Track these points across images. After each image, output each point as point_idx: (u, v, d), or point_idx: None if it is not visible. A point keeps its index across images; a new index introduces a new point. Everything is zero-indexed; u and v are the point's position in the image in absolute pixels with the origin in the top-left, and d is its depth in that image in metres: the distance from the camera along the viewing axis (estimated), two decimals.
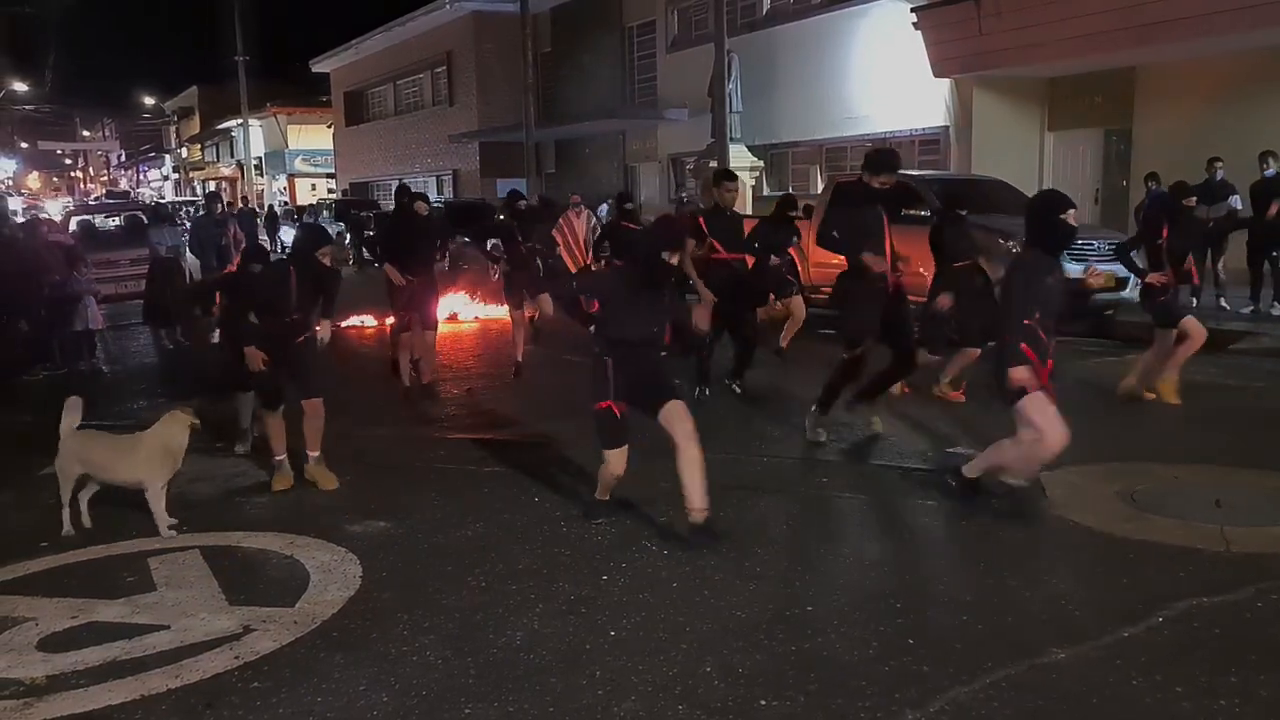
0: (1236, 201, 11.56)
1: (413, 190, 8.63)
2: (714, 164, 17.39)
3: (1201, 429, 6.45)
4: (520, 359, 8.97)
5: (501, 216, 10.30)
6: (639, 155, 24.57)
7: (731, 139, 17.17)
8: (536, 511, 5.18)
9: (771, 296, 9.01)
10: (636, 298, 4.59)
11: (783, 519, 4.86)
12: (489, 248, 10.67)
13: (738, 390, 7.75)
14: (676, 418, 4.57)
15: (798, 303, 9.48)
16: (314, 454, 5.66)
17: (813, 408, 6.36)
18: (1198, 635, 3.57)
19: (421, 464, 6.17)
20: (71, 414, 5.07)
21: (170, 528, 4.94)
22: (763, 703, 3.19)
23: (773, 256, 8.73)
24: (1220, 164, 11.76)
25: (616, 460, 4.71)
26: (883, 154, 6.12)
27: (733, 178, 7.98)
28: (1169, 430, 6.42)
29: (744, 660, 3.47)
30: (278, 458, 5.67)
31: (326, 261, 5.70)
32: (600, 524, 4.88)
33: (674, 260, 4.52)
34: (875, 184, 5.99)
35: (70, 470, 4.99)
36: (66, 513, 5.01)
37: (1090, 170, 15.93)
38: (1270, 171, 10.91)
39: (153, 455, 5.02)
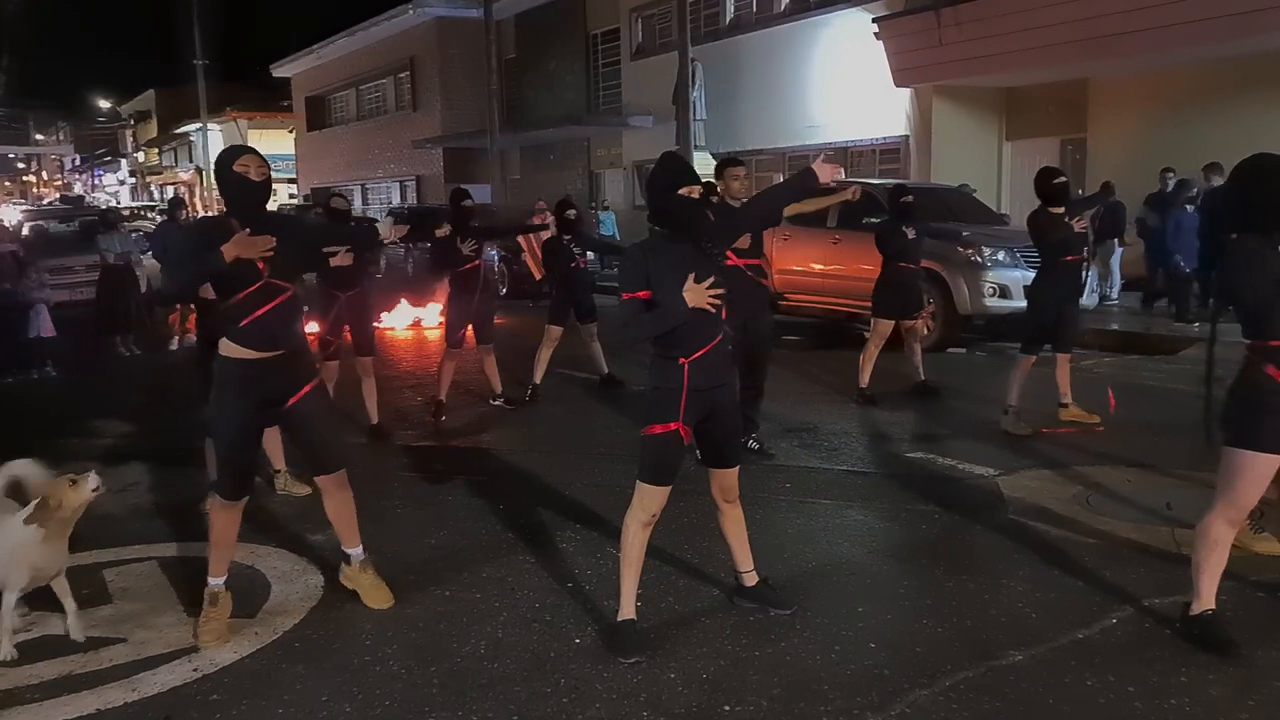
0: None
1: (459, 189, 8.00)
2: None
3: (1152, 433, 6.58)
4: (538, 381, 8.24)
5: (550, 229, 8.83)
6: (604, 161, 24.61)
7: (696, 146, 17.24)
8: (501, 519, 5.17)
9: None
10: (676, 259, 3.50)
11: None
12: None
13: (756, 449, 6.19)
14: (731, 483, 3.85)
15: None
16: (355, 551, 4.09)
17: None
18: (1150, 635, 3.65)
19: (384, 472, 6.13)
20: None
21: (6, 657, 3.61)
22: (726, 708, 3.22)
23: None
24: (1172, 174, 12.02)
25: (656, 501, 3.65)
26: None
27: (738, 163, 6.32)
28: (1122, 435, 6.54)
29: (707, 665, 3.50)
30: (214, 580, 3.87)
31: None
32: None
33: (694, 194, 3.53)
34: None
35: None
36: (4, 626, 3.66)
37: None
38: (1218, 183, 11.15)
39: (16, 549, 3.61)
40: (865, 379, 7.82)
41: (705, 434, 3.73)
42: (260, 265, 3.69)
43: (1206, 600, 3.53)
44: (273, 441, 5.38)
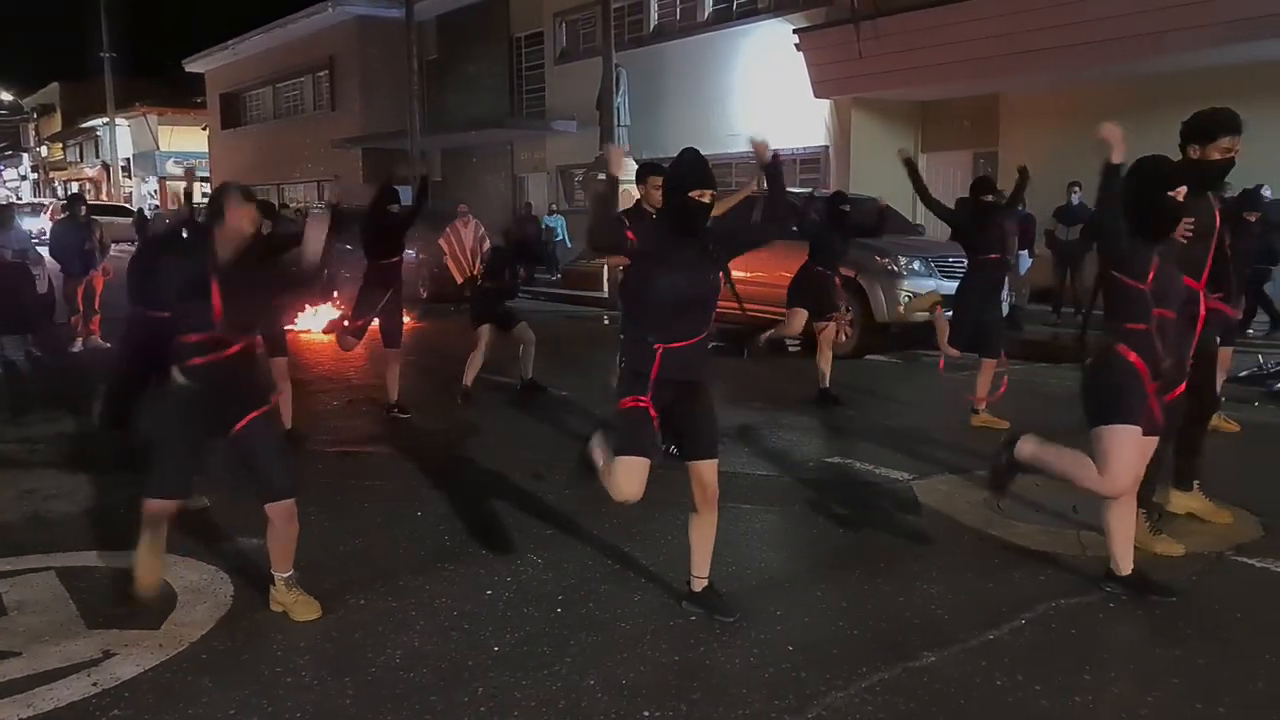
0: None
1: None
2: (602, 176, 17.49)
3: (1059, 439, 6.78)
4: (469, 384, 8.13)
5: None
6: (527, 165, 24.49)
7: None
8: (417, 526, 5.09)
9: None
10: (676, 252, 3.64)
11: (666, 529, 4.89)
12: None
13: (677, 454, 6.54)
14: (709, 478, 3.87)
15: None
16: (284, 574, 3.98)
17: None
18: (1056, 636, 3.76)
19: (298, 478, 5.97)
20: None
21: None
22: (646, 713, 3.21)
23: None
24: (1079, 188, 12.47)
25: (628, 476, 3.66)
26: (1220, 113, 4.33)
27: (661, 171, 6.84)
28: None
29: (627, 672, 3.49)
30: (145, 582, 3.90)
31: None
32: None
33: (706, 200, 3.62)
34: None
35: None
36: None
37: (960, 190, 16.59)
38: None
39: None
40: (826, 380, 7.94)
41: (676, 422, 3.79)
42: (217, 313, 3.64)
43: (1126, 565, 3.95)
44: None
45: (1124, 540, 4.04)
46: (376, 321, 7.54)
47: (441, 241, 12.51)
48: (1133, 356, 3.79)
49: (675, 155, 3.79)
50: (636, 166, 6.69)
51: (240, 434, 3.79)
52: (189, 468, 3.86)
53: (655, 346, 3.64)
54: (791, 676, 3.45)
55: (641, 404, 3.66)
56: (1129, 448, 3.76)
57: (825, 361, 8.13)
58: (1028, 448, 4.15)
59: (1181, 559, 4.46)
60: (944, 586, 4.23)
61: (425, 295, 16.72)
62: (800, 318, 8.03)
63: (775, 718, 3.18)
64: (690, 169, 3.70)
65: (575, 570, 4.39)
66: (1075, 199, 12.46)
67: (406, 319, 12.09)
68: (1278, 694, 3.32)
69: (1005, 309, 11.37)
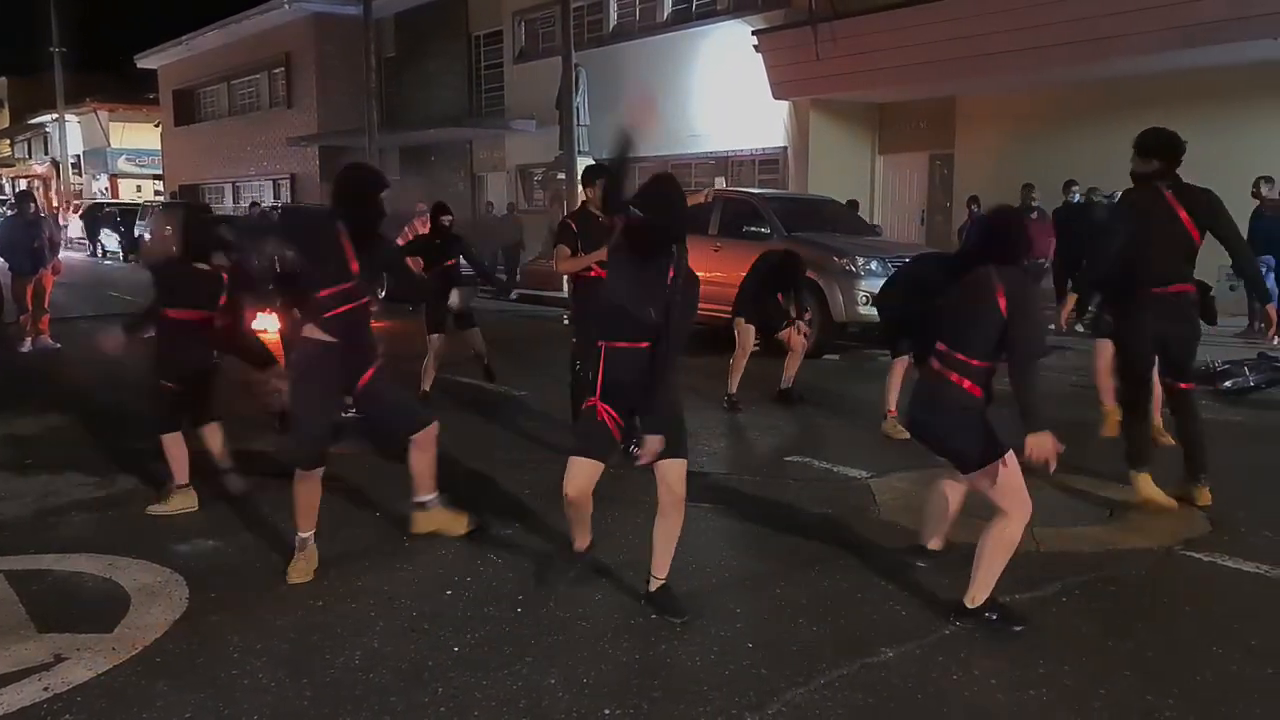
0: None
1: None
2: (561, 176, 17.47)
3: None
4: (427, 389, 8.07)
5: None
6: (487, 165, 24.39)
7: (579, 152, 17.28)
8: (377, 527, 5.05)
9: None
10: (639, 266, 3.76)
11: (626, 528, 4.90)
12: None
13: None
14: (672, 478, 3.87)
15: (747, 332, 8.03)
16: (431, 496, 4.70)
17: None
18: (1010, 630, 3.81)
19: (254, 479, 5.90)
20: None
21: None
22: (607, 712, 3.22)
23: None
24: (1034, 194, 12.67)
25: (570, 474, 3.81)
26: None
27: (609, 174, 6.58)
28: None
29: (588, 671, 3.49)
30: (303, 533, 4.37)
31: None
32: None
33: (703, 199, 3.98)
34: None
35: None
36: None
37: (917, 192, 16.85)
38: (1077, 198, 11.82)
39: None
40: (734, 385, 7.91)
41: (640, 424, 3.84)
42: (354, 268, 4.23)
43: (986, 593, 3.80)
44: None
45: (989, 571, 3.82)
46: None
47: (400, 241, 12.47)
48: (967, 384, 3.81)
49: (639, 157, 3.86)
50: (585, 166, 6.66)
51: (367, 386, 4.35)
52: (328, 432, 4.35)
53: (599, 345, 3.82)
54: (752, 674, 3.47)
55: (593, 404, 3.79)
56: (1017, 471, 3.76)
57: (793, 362, 8.16)
58: None
59: (1132, 554, 4.56)
60: (900, 582, 4.28)
61: (383, 294, 16.59)
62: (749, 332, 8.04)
63: (736, 714, 3.20)
64: (678, 192, 3.90)
65: (534, 571, 4.38)
66: (1032, 202, 12.63)
67: None
68: (1225, 685, 3.41)
69: None
